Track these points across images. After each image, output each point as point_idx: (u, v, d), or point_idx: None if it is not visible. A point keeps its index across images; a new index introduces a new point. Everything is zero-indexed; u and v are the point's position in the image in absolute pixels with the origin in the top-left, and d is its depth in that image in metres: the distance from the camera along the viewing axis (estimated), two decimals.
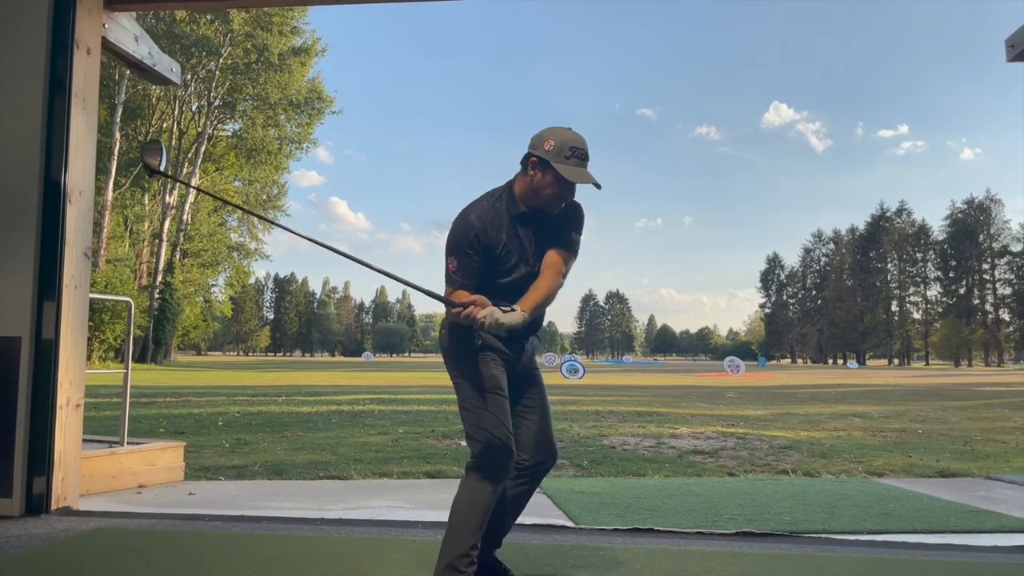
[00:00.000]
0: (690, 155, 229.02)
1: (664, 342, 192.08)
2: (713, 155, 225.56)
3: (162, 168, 3.01)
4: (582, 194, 2.79)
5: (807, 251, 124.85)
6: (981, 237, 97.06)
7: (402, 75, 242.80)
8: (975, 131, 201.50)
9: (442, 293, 2.61)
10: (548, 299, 2.56)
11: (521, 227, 2.63)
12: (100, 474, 4.91)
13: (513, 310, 2.40)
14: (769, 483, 5.68)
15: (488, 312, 2.37)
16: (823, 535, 3.97)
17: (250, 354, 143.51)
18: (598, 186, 2.56)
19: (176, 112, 50.95)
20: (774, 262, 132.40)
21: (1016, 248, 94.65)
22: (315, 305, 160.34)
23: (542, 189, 2.56)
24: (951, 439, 8.90)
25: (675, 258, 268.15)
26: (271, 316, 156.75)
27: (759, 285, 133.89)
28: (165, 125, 51.56)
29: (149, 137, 50.33)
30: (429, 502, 4.82)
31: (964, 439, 8.90)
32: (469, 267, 2.56)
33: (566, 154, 2.52)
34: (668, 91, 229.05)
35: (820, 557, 3.42)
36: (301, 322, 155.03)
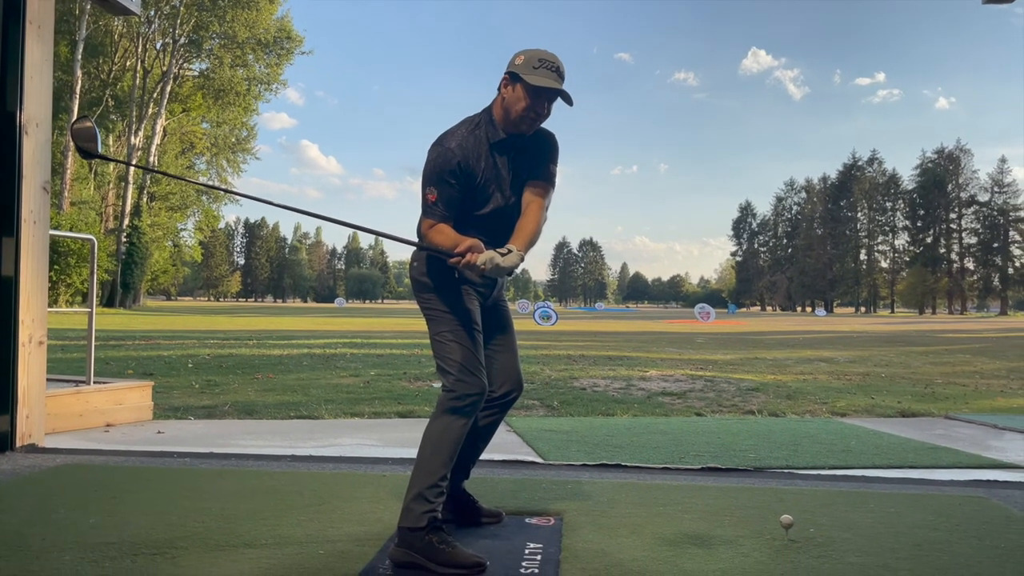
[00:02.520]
0: (667, 101, 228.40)
1: (636, 290, 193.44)
2: (690, 101, 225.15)
3: (99, 151, 2.74)
4: (559, 135, 2.74)
5: (779, 199, 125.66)
6: (950, 187, 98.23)
7: (374, 16, 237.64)
8: (951, 80, 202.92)
9: (418, 227, 2.56)
10: (537, 235, 2.52)
11: (498, 155, 2.57)
12: (66, 412, 4.87)
13: (510, 251, 2.35)
14: (735, 422, 5.78)
15: (488, 257, 2.31)
16: (785, 470, 4.06)
17: (221, 299, 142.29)
18: (568, 99, 2.50)
19: (140, 50, 49.41)
20: (746, 210, 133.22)
21: (983, 198, 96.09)
22: (286, 250, 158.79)
23: (514, 104, 2.49)
24: (913, 382, 9.11)
25: (650, 206, 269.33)
26: (242, 261, 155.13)
27: (731, 233, 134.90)
28: (128, 63, 50.08)
29: (111, 75, 48.92)
30: (400, 440, 4.85)
31: (925, 382, 9.11)
32: (451, 197, 2.49)
33: (534, 65, 2.45)
34: (646, 35, 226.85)
35: (782, 490, 3.50)
36: (272, 268, 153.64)
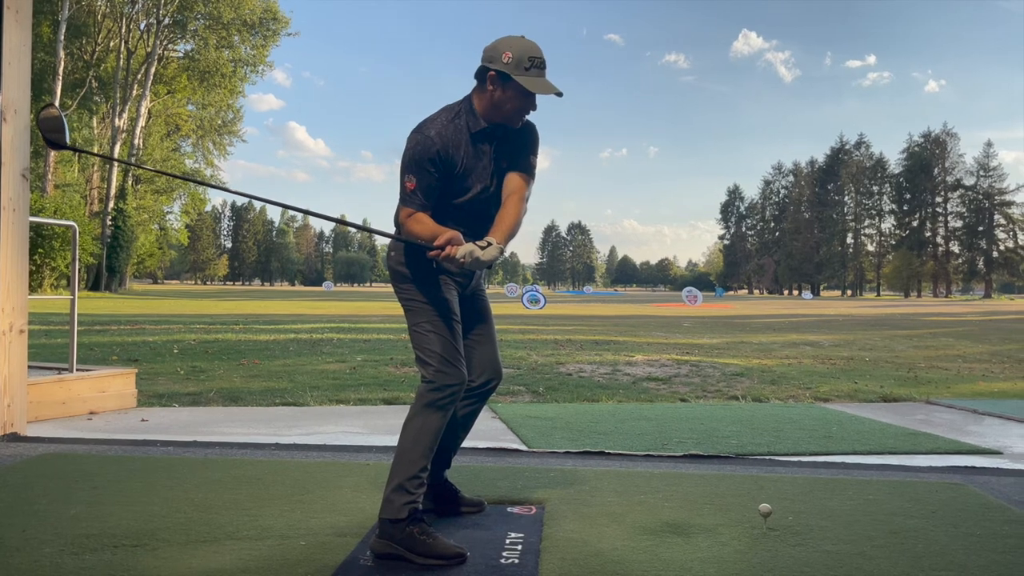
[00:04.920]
0: (658, 83, 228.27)
1: (625, 273, 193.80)
2: (680, 84, 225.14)
3: (67, 142, 2.53)
4: (543, 119, 2.74)
5: (767, 183, 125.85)
6: (936, 171, 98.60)
7: None
8: (942, 62, 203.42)
9: (396, 215, 2.56)
10: (517, 227, 2.51)
11: (478, 145, 2.56)
12: (49, 401, 4.84)
13: (489, 244, 2.34)
14: (718, 408, 5.82)
15: (467, 251, 2.30)
16: (767, 457, 4.10)
17: (208, 283, 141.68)
18: (560, 94, 2.48)
19: (123, 31, 48.78)
20: (734, 194, 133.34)
21: (969, 182, 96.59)
22: (274, 234, 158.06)
23: (503, 104, 2.48)
24: (896, 366, 9.19)
25: (639, 189, 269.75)
26: (229, 244, 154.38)
27: (719, 217, 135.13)
28: (112, 44, 49.44)
29: (95, 56, 48.31)
30: (385, 427, 4.85)
31: (908, 366, 9.19)
32: (429, 185, 2.48)
33: (525, 65, 2.44)
34: (637, 16, 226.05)
35: (762, 477, 3.54)
36: (260, 251, 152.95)
